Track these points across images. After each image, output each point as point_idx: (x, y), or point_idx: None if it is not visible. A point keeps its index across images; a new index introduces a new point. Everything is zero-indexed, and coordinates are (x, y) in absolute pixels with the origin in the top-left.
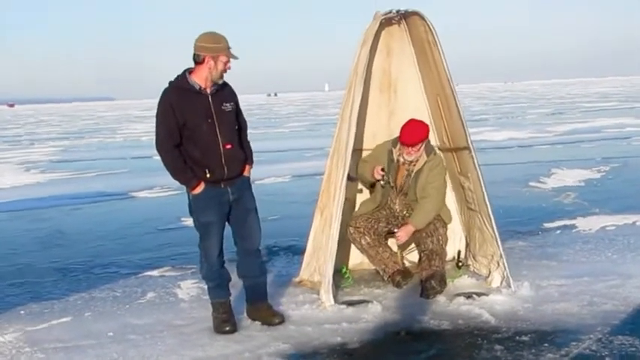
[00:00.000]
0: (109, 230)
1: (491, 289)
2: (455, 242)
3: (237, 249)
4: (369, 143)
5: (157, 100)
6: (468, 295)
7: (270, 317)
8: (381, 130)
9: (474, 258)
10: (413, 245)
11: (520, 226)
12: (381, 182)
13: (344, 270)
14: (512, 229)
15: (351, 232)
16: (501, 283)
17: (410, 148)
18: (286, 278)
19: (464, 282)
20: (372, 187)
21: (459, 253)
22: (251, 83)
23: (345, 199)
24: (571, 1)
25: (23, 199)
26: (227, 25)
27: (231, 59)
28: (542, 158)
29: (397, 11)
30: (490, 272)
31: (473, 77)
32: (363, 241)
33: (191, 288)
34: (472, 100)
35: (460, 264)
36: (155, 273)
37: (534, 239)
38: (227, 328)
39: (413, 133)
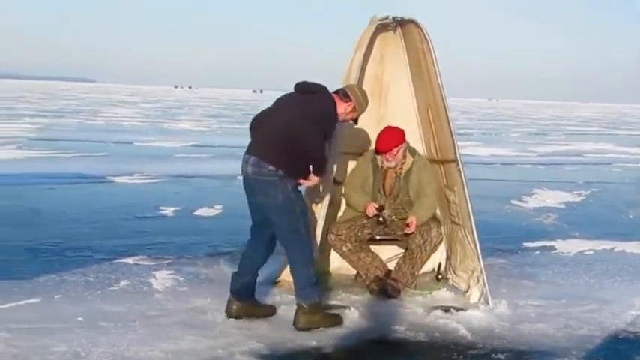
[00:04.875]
0: (85, 213)
1: (469, 305)
2: (436, 254)
3: (266, 244)
4: (357, 148)
5: (135, 86)
6: (446, 309)
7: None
8: (371, 135)
9: (454, 272)
10: (396, 252)
11: (500, 243)
12: (380, 219)
13: (324, 274)
14: (492, 246)
15: (332, 239)
16: (480, 299)
17: (387, 155)
18: (265, 278)
19: (442, 295)
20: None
21: (439, 265)
22: (238, 78)
23: (330, 202)
24: (560, 28)
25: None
26: (220, 14)
27: (351, 120)
28: (525, 177)
29: (393, 18)
30: (469, 287)
31: (459, 92)
32: (344, 248)
33: (166, 279)
34: (458, 114)
35: (439, 277)
36: (130, 260)
37: (514, 258)
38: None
39: (387, 139)
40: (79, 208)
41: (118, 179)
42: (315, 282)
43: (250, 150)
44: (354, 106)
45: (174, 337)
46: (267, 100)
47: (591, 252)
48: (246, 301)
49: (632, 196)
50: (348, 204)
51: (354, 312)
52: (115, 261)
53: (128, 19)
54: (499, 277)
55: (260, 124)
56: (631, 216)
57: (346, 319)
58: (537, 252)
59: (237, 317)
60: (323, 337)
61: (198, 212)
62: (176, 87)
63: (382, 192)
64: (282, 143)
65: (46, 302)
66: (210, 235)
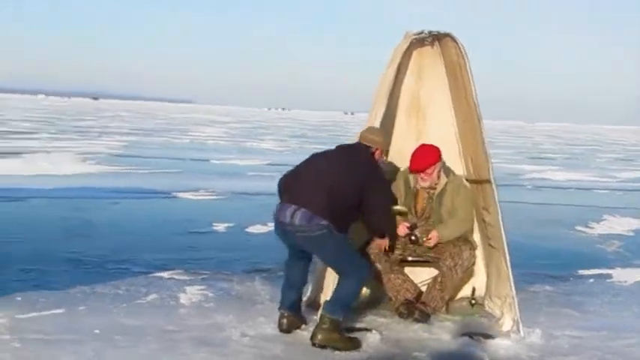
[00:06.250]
0: (138, 227)
1: (500, 333)
2: (472, 278)
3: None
4: (391, 165)
5: (231, 107)
6: (473, 336)
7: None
8: (409, 151)
9: (490, 297)
10: (428, 276)
11: (553, 269)
12: (411, 238)
13: None
14: (543, 272)
15: None
16: (512, 327)
17: (421, 174)
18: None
19: (474, 321)
20: None
21: (473, 290)
22: (330, 101)
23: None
24: None
25: (69, 188)
26: (320, 38)
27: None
28: (598, 203)
29: (429, 32)
30: (502, 314)
31: (552, 116)
32: (374, 268)
33: (195, 294)
34: (544, 138)
35: (473, 302)
36: (165, 275)
37: (563, 285)
38: None
39: (419, 159)
40: (135, 222)
41: (182, 195)
42: (350, 305)
43: (298, 200)
44: (381, 151)
45: (184, 354)
46: (357, 122)
47: None
48: (294, 315)
49: None
50: None
51: (375, 335)
52: (151, 274)
53: (228, 44)
54: (540, 306)
55: (300, 179)
56: None
57: (366, 343)
58: (591, 280)
59: (287, 331)
60: None
61: (250, 229)
62: (269, 109)
63: (414, 213)
64: (338, 202)
65: (69, 314)
66: (253, 251)
